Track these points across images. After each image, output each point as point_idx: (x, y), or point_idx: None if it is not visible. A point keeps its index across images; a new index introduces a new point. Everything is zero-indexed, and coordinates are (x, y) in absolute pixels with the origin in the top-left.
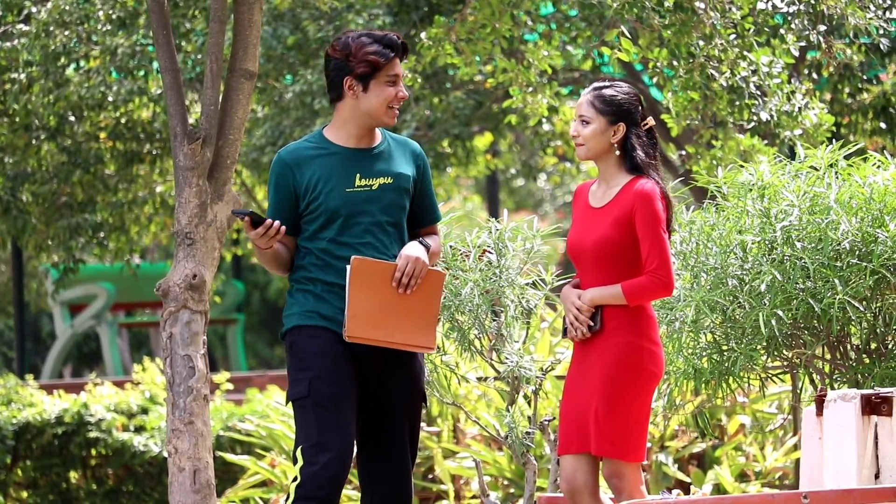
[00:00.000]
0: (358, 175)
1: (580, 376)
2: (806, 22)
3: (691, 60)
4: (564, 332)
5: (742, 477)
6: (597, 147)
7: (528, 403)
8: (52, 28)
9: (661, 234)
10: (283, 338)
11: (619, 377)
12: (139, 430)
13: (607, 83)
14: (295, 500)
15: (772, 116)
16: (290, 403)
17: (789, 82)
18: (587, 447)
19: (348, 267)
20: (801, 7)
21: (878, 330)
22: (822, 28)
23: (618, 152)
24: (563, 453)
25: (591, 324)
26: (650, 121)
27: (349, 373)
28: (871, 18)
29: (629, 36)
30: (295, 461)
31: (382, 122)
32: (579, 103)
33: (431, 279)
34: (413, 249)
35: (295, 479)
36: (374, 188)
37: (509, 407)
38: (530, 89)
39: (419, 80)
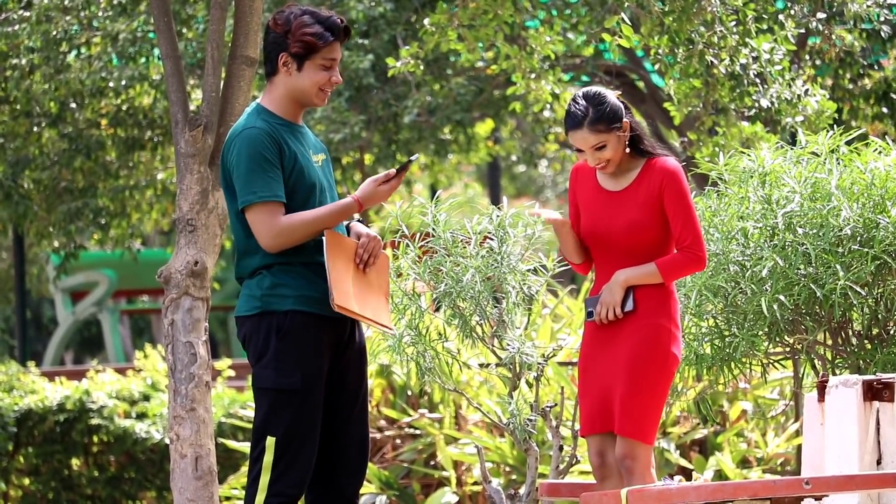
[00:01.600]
0: (311, 151)
1: (602, 357)
2: (806, 9)
3: (691, 47)
4: (589, 315)
5: (744, 463)
6: (619, 156)
7: (530, 390)
8: (52, 14)
9: (692, 210)
10: (255, 314)
11: (647, 359)
12: (141, 416)
13: (582, 106)
14: (270, 495)
15: (773, 103)
16: (264, 388)
17: (790, 69)
18: (611, 426)
19: (324, 240)
20: None
21: (879, 315)
22: (822, 15)
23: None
24: (587, 433)
25: (624, 304)
26: (616, 92)
27: (327, 366)
28: (870, 6)
29: (629, 22)
30: (263, 449)
31: (313, 103)
32: (582, 139)
33: (381, 260)
34: (366, 228)
35: (259, 469)
36: (320, 164)
37: (511, 393)
38: (533, 76)
39: (420, 67)
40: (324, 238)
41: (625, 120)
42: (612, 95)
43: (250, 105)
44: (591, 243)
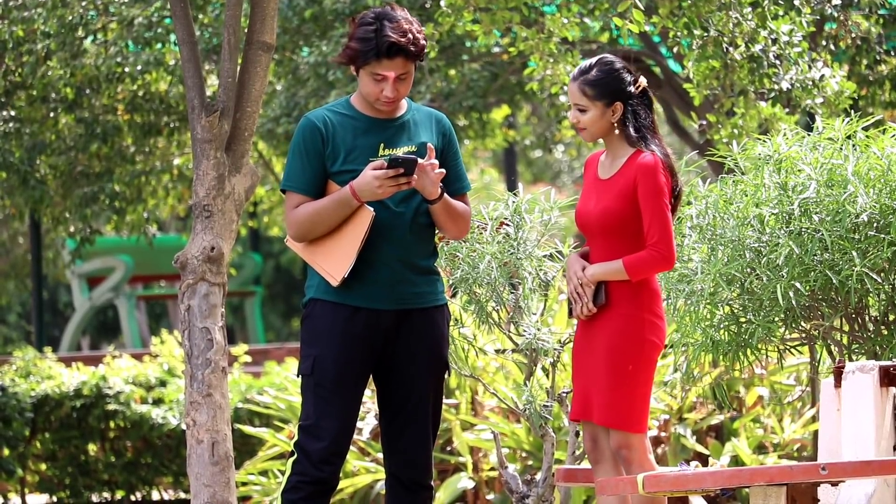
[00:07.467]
0: (382, 144)
1: (587, 347)
2: None
3: (706, 34)
4: (570, 313)
5: (760, 449)
6: (600, 131)
7: (546, 375)
8: (68, 0)
9: (662, 208)
10: (305, 302)
11: (622, 348)
12: (157, 402)
13: (591, 63)
14: (290, 476)
15: (792, 85)
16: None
17: (807, 53)
18: (591, 416)
19: (370, 217)
20: None
21: (895, 301)
22: (838, 1)
23: (617, 131)
24: (574, 419)
25: (596, 299)
26: (642, 82)
27: (358, 352)
28: None
29: (641, 7)
30: (297, 430)
31: (375, 108)
32: (571, 91)
33: (363, 215)
34: None
35: (292, 453)
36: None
37: (527, 379)
38: (551, 59)
39: (436, 49)
40: (370, 217)
41: (618, 102)
42: (621, 73)
43: None
44: (579, 228)
